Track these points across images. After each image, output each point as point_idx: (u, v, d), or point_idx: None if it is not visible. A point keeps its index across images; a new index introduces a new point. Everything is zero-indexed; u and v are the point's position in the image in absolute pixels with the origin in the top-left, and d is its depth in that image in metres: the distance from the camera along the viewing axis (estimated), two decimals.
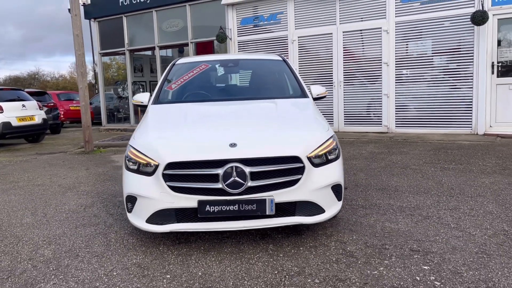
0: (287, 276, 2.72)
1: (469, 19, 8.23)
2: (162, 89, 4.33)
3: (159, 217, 3.08)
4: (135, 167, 3.20)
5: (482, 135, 8.40)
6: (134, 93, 14.63)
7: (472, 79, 8.47)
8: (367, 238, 3.32)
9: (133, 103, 4.48)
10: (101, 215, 4.21)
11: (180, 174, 3.01)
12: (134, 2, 13.10)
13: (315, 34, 10.09)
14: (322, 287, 2.56)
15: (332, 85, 9.88)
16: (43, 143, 11.91)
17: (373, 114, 9.61)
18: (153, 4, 12.71)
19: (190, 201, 2.99)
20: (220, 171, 2.94)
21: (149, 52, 15.91)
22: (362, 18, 9.46)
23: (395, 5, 9.05)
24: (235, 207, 2.96)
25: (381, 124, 9.49)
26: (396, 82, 9.23)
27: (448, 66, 8.72)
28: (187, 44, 12.44)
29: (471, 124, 8.58)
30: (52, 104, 15.39)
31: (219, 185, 2.96)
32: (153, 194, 3.05)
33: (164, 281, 2.73)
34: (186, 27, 12.32)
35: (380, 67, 9.33)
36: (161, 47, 13.25)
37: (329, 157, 3.23)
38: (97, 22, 14.38)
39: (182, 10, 12.33)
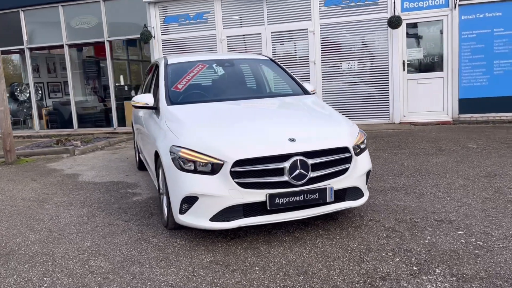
0: (361, 254, 3.05)
1: (384, 23, 9.38)
2: (170, 90, 4.26)
3: (225, 214, 3.16)
4: (192, 167, 3.21)
5: (398, 123, 9.65)
6: (36, 95, 13.32)
7: (388, 75, 9.66)
8: (393, 215, 3.80)
9: (134, 105, 4.32)
10: (116, 223, 4.02)
11: (247, 170, 3.12)
12: None
13: (244, 34, 10.43)
14: (399, 258, 2.95)
15: None
16: None
17: None
18: None
19: (258, 195, 3.14)
20: (286, 164, 3.14)
21: (46, 51, 14.59)
22: (289, 19, 10.07)
23: (319, 9, 9.84)
24: (301, 197, 3.19)
25: None
26: (322, 79, 10.05)
27: (367, 64, 9.80)
28: (103, 42, 11.73)
29: (388, 115, 9.79)
30: None
31: (285, 178, 3.15)
32: (220, 192, 3.12)
33: (258, 272, 2.85)
34: (100, 24, 11.61)
35: (308, 66, 10.06)
36: (71, 45, 12.26)
37: (361, 147, 3.63)
38: None
39: (95, 6, 11.58)
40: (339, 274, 2.77)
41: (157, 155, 3.87)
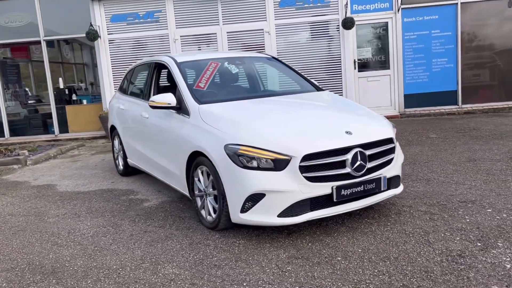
0: (421, 236, 3.27)
1: (336, 24, 9.89)
2: (193, 89, 4.12)
3: (294, 209, 3.19)
4: (255, 165, 3.18)
5: None
6: None
7: (341, 73, 10.19)
8: (419, 200, 4.10)
9: (154, 105, 4.10)
10: (151, 230, 3.80)
11: (314, 164, 3.18)
12: None
13: (199, 34, 10.28)
14: (458, 237, 3.22)
15: None
16: None
17: None
18: None
19: (325, 188, 3.22)
20: (348, 156, 3.26)
21: None
22: (244, 20, 10.14)
23: (274, 9, 10.05)
24: (361, 188, 3.33)
25: None
26: None
27: (322, 63, 10.23)
28: (39, 42, 10.76)
29: None
30: None
31: (347, 170, 3.27)
32: (289, 187, 3.13)
33: (343, 262, 2.93)
34: (35, 22, 10.65)
35: None
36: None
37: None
38: None
39: (27, 3, 10.59)
40: (419, 256, 2.96)
41: (192, 156, 3.74)
